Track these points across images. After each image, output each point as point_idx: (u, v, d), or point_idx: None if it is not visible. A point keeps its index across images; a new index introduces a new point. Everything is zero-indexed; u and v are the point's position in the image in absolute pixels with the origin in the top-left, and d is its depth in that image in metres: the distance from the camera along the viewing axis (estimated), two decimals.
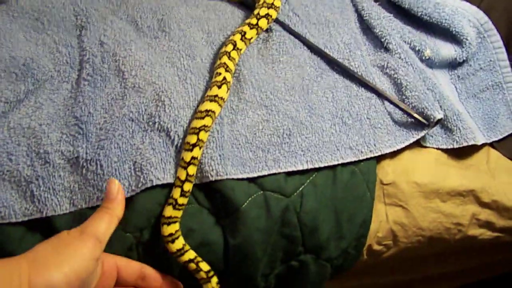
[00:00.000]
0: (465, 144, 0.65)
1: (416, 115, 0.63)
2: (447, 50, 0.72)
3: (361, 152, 0.60)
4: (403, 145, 0.63)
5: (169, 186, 0.54)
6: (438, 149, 0.66)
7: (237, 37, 0.61)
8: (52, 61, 0.59)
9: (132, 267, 0.51)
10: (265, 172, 0.56)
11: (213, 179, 0.54)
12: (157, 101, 0.56)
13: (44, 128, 0.54)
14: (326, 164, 0.59)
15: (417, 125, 0.64)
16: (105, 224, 0.46)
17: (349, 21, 0.71)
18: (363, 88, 0.65)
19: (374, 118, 0.63)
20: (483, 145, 0.68)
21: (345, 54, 0.66)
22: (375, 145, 0.61)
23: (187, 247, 0.52)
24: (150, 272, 0.52)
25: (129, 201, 0.52)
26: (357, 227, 0.60)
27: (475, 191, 0.65)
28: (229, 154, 0.56)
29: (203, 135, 0.53)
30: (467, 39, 0.72)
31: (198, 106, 0.57)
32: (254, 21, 0.63)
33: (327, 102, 0.63)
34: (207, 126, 0.54)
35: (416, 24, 0.74)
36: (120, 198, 0.49)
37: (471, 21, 0.73)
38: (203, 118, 0.54)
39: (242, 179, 0.55)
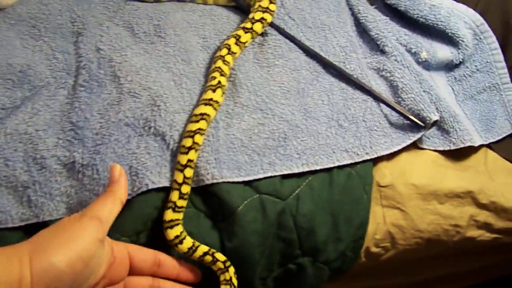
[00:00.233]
0: (462, 145, 0.65)
1: (412, 117, 0.63)
2: (444, 52, 0.72)
3: (357, 154, 0.61)
4: (399, 147, 0.63)
5: (166, 190, 0.54)
6: (435, 150, 0.66)
7: (232, 41, 0.61)
8: (49, 67, 0.60)
9: (145, 254, 0.50)
10: (261, 176, 0.56)
11: (209, 183, 0.54)
12: (152, 106, 0.57)
13: (41, 133, 0.54)
14: (322, 167, 0.59)
15: (414, 127, 0.64)
16: (108, 206, 0.45)
17: (345, 24, 0.71)
18: (359, 91, 0.65)
19: (370, 120, 0.63)
20: (481, 146, 0.68)
21: (341, 57, 0.67)
22: (371, 147, 0.61)
23: (197, 243, 0.52)
24: (166, 258, 0.51)
25: (125, 205, 0.52)
26: (354, 229, 0.60)
27: (473, 193, 0.65)
28: (224, 158, 0.56)
29: (198, 138, 0.54)
30: (463, 41, 0.72)
31: (193, 110, 0.57)
32: (248, 25, 0.63)
33: (323, 105, 0.63)
34: (202, 129, 0.54)
35: (412, 26, 0.74)
36: (123, 181, 0.48)
37: (467, 23, 0.73)
38: (198, 121, 0.54)
39: (238, 183, 0.56)
